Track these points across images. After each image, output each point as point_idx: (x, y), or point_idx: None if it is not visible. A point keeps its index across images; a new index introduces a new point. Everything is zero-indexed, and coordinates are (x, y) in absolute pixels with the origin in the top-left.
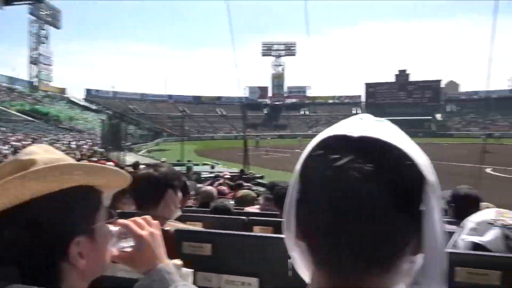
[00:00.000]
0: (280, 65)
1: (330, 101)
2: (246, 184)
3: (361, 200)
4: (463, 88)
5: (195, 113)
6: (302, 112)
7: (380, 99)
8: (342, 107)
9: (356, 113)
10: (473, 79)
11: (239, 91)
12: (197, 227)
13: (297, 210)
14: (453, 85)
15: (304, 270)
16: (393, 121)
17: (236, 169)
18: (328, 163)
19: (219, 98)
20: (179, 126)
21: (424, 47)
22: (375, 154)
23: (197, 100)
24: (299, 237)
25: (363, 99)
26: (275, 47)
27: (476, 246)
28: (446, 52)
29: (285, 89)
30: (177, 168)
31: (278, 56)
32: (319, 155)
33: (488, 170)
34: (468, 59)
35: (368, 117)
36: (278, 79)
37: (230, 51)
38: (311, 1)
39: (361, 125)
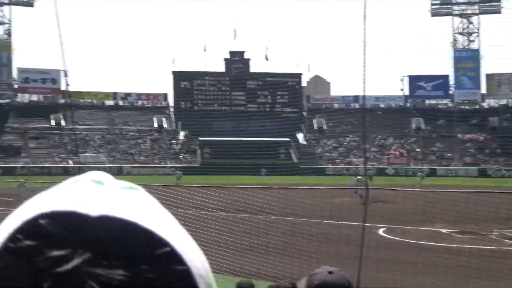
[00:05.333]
0: (1, 24)
1: (111, 102)
2: None
3: None
4: (336, 90)
5: None
6: (54, 122)
7: (201, 102)
8: (138, 114)
9: (159, 128)
10: (349, 75)
11: None
12: None
13: None
14: (321, 84)
15: None
16: (224, 144)
17: None
18: (43, 264)
19: None
20: None
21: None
22: (128, 250)
23: None
24: None
25: (170, 101)
26: None
27: None
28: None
29: (16, 73)
30: None
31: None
32: (27, 248)
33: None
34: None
35: (108, 181)
36: None
37: None
38: None
39: (100, 196)
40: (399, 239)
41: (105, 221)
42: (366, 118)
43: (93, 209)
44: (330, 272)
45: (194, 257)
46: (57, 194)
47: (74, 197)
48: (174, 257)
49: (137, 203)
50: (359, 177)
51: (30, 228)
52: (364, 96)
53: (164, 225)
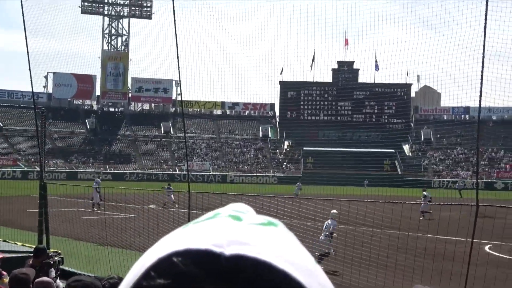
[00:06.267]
0: (120, 36)
1: (218, 111)
2: None
3: None
4: (446, 101)
5: None
6: (163, 130)
7: (307, 112)
8: (243, 124)
9: (264, 137)
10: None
11: (36, 84)
12: None
13: None
14: (430, 94)
15: None
16: (327, 154)
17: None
18: None
19: None
20: None
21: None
22: None
23: None
24: None
25: (277, 110)
26: None
27: None
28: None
29: (130, 83)
30: None
31: (117, 17)
32: (159, 286)
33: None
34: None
35: (247, 214)
36: (115, 63)
37: None
38: None
39: (236, 233)
40: (507, 256)
41: (239, 260)
42: (479, 131)
43: (228, 248)
44: None
45: None
46: (194, 230)
47: (209, 235)
48: None
49: (274, 241)
50: (424, 193)
51: (163, 265)
52: (480, 108)
53: (301, 266)
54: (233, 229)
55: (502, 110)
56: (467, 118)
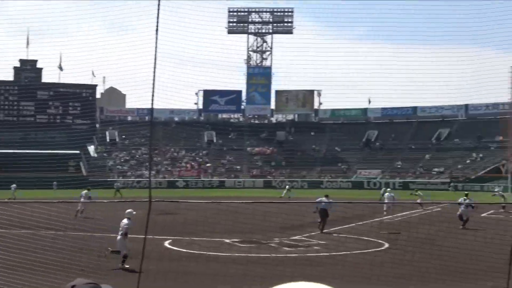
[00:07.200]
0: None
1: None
2: None
3: None
4: (131, 103)
5: None
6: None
7: None
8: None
9: None
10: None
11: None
12: None
13: None
14: (116, 96)
15: None
16: (11, 157)
17: None
18: None
19: None
20: None
21: None
22: None
23: None
24: None
25: None
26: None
27: None
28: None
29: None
30: None
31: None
32: None
33: None
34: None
35: None
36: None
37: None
38: None
39: None
40: (185, 250)
41: None
42: (153, 132)
43: None
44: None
45: None
46: None
47: None
48: None
49: None
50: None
51: None
52: (152, 109)
53: None
54: None
55: (183, 112)
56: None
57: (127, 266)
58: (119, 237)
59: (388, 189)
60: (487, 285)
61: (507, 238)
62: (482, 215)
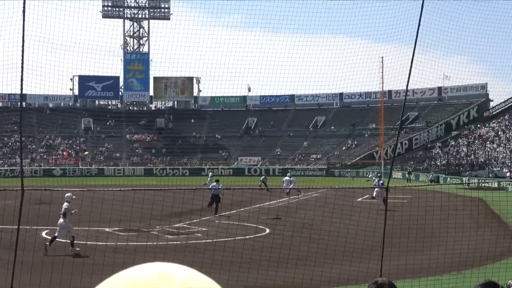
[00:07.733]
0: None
1: None
2: None
3: None
4: (3, 88)
5: None
6: None
7: None
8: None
9: None
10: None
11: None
12: None
13: None
14: None
15: None
16: None
17: None
18: None
19: None
20: None
21: None
22: None
23: None
24: None
25: None
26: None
27: None
28: None
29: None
30: None
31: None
32: None
33: None
34: None
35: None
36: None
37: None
38: None
39: None
40: (63, 240)
41: None
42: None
43: None
44: None
45: None
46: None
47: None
48: None
49: None
50: None
51: None
52: (21, 94)
53: None
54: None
55: (59, 98)
56: (24, 105)
57: (78, 249)
58: (61, 220)
59: (288, 174)
60: (362, 267)
61: (380, 222)
62: (358, 200)
